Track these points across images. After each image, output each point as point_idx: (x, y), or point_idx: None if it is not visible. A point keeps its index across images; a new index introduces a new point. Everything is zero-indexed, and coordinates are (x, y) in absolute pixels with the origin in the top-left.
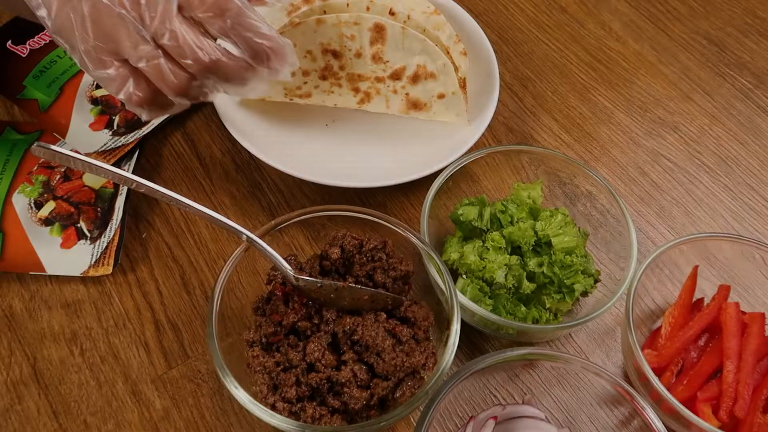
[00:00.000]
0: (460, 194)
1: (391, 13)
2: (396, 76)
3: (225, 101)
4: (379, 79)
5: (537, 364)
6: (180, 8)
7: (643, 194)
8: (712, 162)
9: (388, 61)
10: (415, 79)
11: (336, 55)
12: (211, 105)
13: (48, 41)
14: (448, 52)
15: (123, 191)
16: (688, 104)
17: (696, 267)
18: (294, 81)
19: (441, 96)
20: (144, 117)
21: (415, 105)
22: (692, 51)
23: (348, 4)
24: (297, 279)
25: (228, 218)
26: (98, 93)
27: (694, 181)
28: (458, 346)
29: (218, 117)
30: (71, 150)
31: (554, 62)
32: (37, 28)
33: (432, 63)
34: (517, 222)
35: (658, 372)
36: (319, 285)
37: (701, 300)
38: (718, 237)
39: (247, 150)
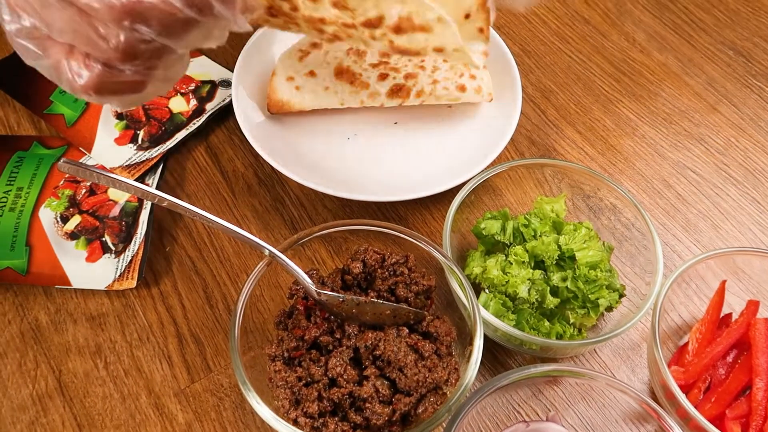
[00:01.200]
0: (482, 208)
1: None
2: (371, 24)
3: (248, 116)
4: (347, 26)
5: (561, 380)
6: None
7: (668, 207)
8: (739, 174)
9: (355, 9)
10: (399, 30)
11: None
12: (234, 119)
13: None
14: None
15: (147, 205)
16: (714, 116)
17: (724, 282)
18: None
19: (439, 50)
20: (118, 107)
21: (404, 52)
22: (718, 62)
23: None
24: (319, 294)
25: (250, 232)
26: None
27: (721, 194)
28: (481, 362)
29: (241, 131)
30: (96, 165)
31: (577, 74)
32: None
33: (419, 16)
34: (540, 236)
35: (686, 389)
36: (341, 300)
37: (729, 315)
38: (746, 251)
39: (269, 164)
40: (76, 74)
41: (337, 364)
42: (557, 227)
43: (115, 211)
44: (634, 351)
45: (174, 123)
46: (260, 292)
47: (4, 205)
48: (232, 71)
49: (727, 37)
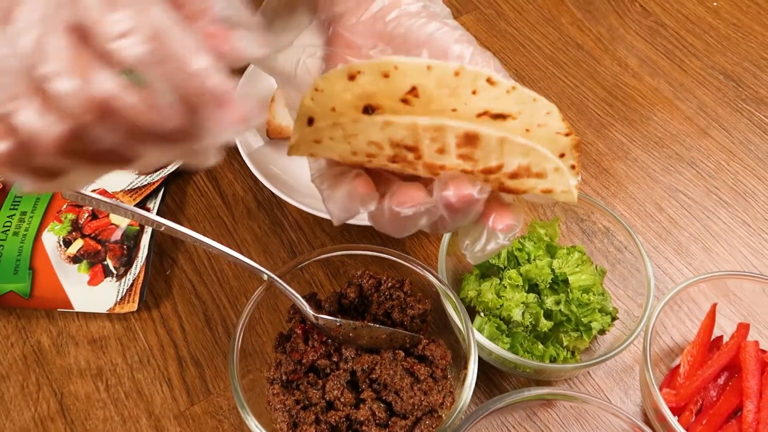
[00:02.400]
0: None
1: (490, 82)
2: (489, 171)
3: (247, 141)
4: (466, 171)
5: (555, 403)
6: (79, 30)
7: (660, 230)
8: (730, 197)
9: (479, 160)
10: (515, 176)
11: (410, 149)
12: (234, 144)
13: None
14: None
15: (148, 229)
16: (705, 140)
17: (714, 305)
18: (355, 158)
19: (547, 191)
20: (25, 187)
21: (509, 191)
22: (709, 86)
23: (429, 67)
24: (316, 318)
25: (249, 256)
26: None
27: (712, 216)
28: (476, 384)
29: (241, 156)
30: (98, 190)
31: (571, 99)
32: None
33: (538, 165)
34: (534, 260)
35: (677, 411)
36: (338, 324)
37: (720, 338)
38: (737, 275)
39: (268, 188)
40: None
41: (334, 387)
42: (551, 251)
43: (117, 235)
44: (627, 373)
45: None
46: (259, 315)
47: (8, 230)
48: None
49: (717, 62)
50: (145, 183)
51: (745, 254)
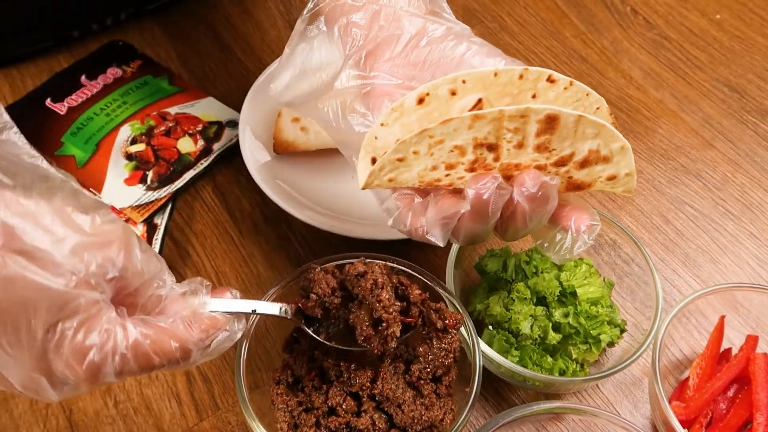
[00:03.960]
0: (485, 245)
1: (551, 80)
2: (561, 162)
3: (254, 156)
4: (539, 167)
5: (564, 416)
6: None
7: (667, 242)
8: (737, 209)
9: (554, 150)
10: (584, 164)
11: (491, 148)
12: (241, 159)
13: (85, 99)
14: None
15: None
16: (710, 151)
17: (723, 317)
18: (433, 174)
19: (611, 177)
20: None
21: (577, 187)
22: (713, 98)
23: (496, 74)
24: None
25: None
26: (132, 149)
27: (719, 228)
28: (485, 398)
29: (248, 171)
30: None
31: None
32: (74, 86)
33: (606, 147)
34: (541, 273)
35: (687, 424)
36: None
37: (729, 350)
38: (746, 287)
39: (275, 203)
40: None
41: (337, 393)
42: (558, 264)
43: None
44: (636, 386)
45: (182, 163)
46: (266, 329)
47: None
48: (239, 112)
49: (721, 74)
50: (153, 199)
51: (752, 266)
